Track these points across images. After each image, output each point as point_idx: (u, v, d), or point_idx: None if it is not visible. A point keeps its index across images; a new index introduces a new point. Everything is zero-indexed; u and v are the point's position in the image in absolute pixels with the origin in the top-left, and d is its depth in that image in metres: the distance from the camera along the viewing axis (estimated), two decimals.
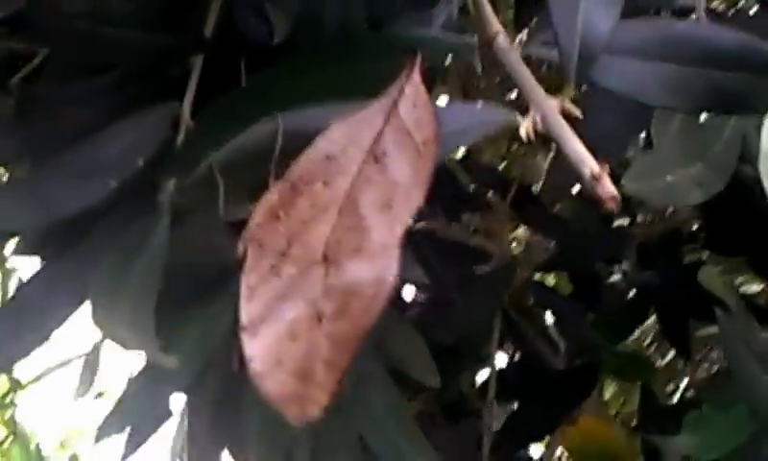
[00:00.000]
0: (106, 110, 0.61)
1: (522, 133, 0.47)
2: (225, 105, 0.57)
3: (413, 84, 0.44)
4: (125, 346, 0.51)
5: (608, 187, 0.43)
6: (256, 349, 0.42)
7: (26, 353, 0.56)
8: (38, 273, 0.58)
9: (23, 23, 0.59)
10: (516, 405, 1.08)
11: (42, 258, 0.58)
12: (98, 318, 0.53)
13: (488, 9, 0.48)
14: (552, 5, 0.47)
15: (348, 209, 0.43)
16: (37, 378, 1.72)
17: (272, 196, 0.44)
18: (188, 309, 0.59)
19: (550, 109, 0.47)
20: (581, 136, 0.67)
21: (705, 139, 0.59)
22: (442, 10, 0.55)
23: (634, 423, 1.13)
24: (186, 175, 0.57)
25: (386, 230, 0.42)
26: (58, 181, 0.56)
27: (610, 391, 1.29)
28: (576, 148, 0.45)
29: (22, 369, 1.71)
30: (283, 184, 0.44)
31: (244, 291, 0.43)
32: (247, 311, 0.43)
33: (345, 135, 0.45)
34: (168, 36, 0.61)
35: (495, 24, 0.50)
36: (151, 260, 0.54)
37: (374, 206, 0.43)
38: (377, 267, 0.41)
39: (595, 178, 0.43)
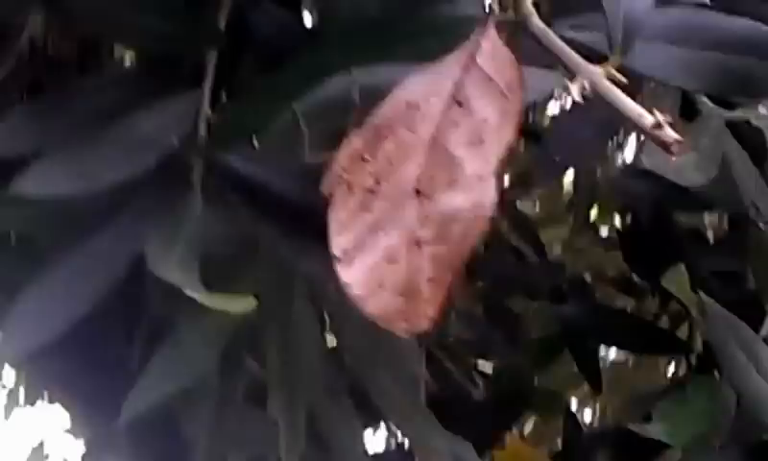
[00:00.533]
0: (127, 98, 0.61)
1: (575, 94, 0.49)
2: (252, 91, 0.59)
3: (489, 38, 0.46)
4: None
5: (670, 133, 0.46)
6: (354, 275, 0.44)
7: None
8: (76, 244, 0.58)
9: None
10: None
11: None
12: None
13: None
14: None
15: (436, 149, 0.45)
16: None
17: (355, 140, 0.46)
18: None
19: (597, 75, 0.50)
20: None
21: (694, 133, 0.63)
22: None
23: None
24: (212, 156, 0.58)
25: (479, 163, 0.44)
26: (99, 154, 0.56)
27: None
28: (631, 105, 0.48)
29: None
30: (367, 130, 0.46)
31: (333, 226, 0.45)
32: (338, 243, 0.45)
33: (424, 85, 0.47)
34: (186, 26, 0.63)
35: (528, 5, 0.52)
36: (189, 236, 0.55)
37: (464, 144, 0.45)
38: (474, 195, 0.43)
39: (658, 126, 0.46)
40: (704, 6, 0.57)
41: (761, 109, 0.61)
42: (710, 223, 1.11)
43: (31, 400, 1.38)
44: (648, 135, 0.47)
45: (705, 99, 0.64)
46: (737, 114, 0.62)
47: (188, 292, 0.48)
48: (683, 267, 0.72)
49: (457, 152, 0.44)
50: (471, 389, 1.14)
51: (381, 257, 0.43)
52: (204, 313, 0.61)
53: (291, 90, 0.54)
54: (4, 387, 1.56)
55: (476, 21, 0.50)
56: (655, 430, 0.70)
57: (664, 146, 0.46)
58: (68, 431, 0.93)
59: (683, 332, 1.09)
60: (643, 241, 1.04)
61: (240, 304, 0.48)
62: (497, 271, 1.14)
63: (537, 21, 0.50)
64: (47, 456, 1.54)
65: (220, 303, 0.49)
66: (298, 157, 0.51)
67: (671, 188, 1.06)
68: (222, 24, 0.64)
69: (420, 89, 0.46)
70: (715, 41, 0.53)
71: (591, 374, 1.14)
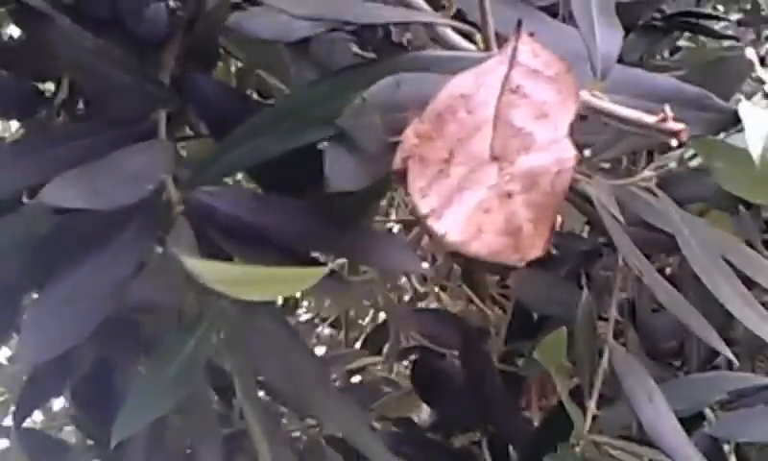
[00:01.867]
0: (97, 145, 0.63)
1: None
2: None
3: (525, 41, 0.52)
4: None
5: (676, 124, 0.53)
6: (447, 225, 0.47)
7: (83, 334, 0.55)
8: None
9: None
10: None
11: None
12: None
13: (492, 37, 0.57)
14: (577, 19, 0.58)
15: (502, 125, 0.49)
16: None
17: (419, 125, 0.50)
18: None
19: (586, 95, 0.56)
20: None
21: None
22: None
23: None
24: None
25: (550, 131, 0.49)
26: (105, 181, 0.57)
27: None
28: (629, 112, 0.55)
29: None
30: (428, 116, 0.50)
31: (415, 194, 0.48)
32: (424, 205, 0.48)
33: (472, 79, 0.51)
34: (146, 85, 0.65)
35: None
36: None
37: (529, 119, 0.49)
38: (553, 153, 0.48)
39: (663, 120, 0.53)
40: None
41: (647, 172, 0.69)
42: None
43: None
44: (655, 129, 0.54)
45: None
46: (621, 182, 0.70)
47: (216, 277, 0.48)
48: (563, 331, 0.77)
49: (524, 125, 0.49)
50: None
51: (474, 209, 0.47)
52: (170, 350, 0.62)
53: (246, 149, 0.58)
54: None
55: (465, 62, 0.56)
56: None
57: (672, 135, 0.53)
58: None
59: None
60: (437, 376, 1.09)
61: (307, 276, 0.49)
62: None
63: None
64: None
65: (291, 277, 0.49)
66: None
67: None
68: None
69: (470, 83, 0.51)
70: (649, 93, 0.61)
71: None
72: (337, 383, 1.26)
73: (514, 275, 0.96)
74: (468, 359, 1.02)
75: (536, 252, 0.45)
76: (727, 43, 0.98)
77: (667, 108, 0.53)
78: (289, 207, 0.61)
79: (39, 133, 0.66)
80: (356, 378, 1.32)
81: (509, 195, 0.47)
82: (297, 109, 0.59)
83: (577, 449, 0.84)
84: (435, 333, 1.11)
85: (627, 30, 0.59)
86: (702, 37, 1.02)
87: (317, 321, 1.46)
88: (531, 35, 0.52)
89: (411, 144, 0.49)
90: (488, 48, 0.57)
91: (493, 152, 0.48)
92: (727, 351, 0.69)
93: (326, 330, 1.47)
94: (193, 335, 0.61)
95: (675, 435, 0.71)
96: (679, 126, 0.52)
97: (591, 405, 0.87)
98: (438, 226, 0.46)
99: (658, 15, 1.02)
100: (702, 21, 0.98)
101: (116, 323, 0.57)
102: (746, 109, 0.57)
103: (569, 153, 0.47)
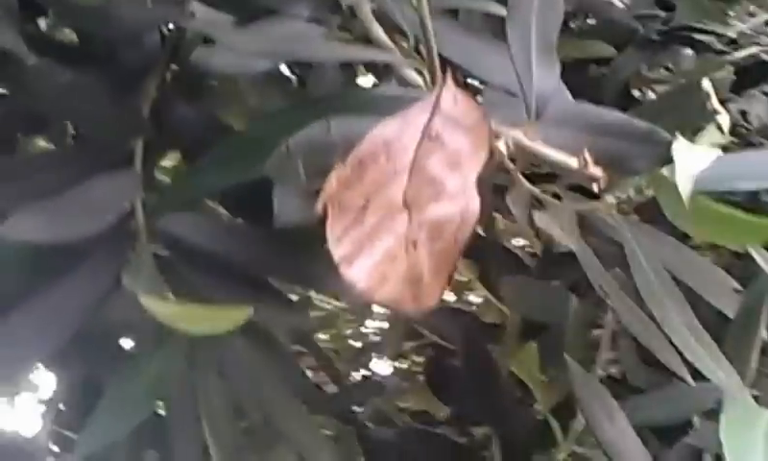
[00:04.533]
0: (71, 174, 0.63)
1: (502, 148, 0.55)
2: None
3: (449, 89, 0.51)
4: None
5: (595, 170, 0.52)
6: (357, 273, 0.47)
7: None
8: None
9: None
10: None
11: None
12: None
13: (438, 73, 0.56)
14: (513, 57, 0.57)
15: (417, 173, 0.49)
16: None
17: (341, 170, 0.50)
18: None
19: (518, 135, 0.55)
20: None
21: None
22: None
23: None
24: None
25: (460, 181, 0.48)
26: (65, 213, 0.58)
27: None
28: (554, 153, 0.54)
29: None
30: (351, 161, 0.50)
31: (331, 240, 0.48)
32: (337, 252, 0.47)
33: (396, 126, 0.51)
34: (124, 115, 0.65)
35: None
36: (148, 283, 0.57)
37: (442, 168, 0.49)
38: (460, 203, 0.47)
39: (585, 164, 0.52)
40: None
41: (608, 198, 0.68)
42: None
43: None
44: (576, 175, 0.53)
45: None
46: (584, 206, 0.69)
47: (163, 314, 0.48)
48: (534, 347, 0.77)
49: (437, 173, 0.48)
50: None
51: (381, 257, 0.46)
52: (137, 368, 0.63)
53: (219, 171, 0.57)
54: None
55: (402, 101, 0.55)
56: None
57: (591, 180, 0.52)
58: None
59: None
60: (449, 373, 1.07)
61: (233, 318, 0.49)
62: None
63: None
64: None
65: (212, 319, 0.49)
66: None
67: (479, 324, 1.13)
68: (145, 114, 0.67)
69: (394, 129, 0.50)
70: (596, 127, 0.60)
71: None
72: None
73: (505, 283, 0.94)
74: (470, 356, 1.01)
75: (431, 301, 0.45)
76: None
77: (586, 153, 0.52)
78: (250, 235, 0.61)
79: (12, 161, 0.66)
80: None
81: (414, 244, 0.46)
82: (252, 141, 0.58)
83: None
84: (438, 329, 1.10)
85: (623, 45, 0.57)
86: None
87: None
88: (456, 79, 0.51)
89: (332, 190, 0.48)
90: (434, 83, 0.56)
91: (406, 200, 0.47)
92: (686, 376, 0.68)
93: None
94: (162, 351, 0.62)
95: (635, 453, 0.69)
96: (597, 172, 0.51)
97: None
98: (348, 273, 0.46)
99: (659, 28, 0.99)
100: (698, 35, 0.96)
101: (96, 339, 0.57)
102: (679, 146, 0.55)
103: (474, 204, 0.46)
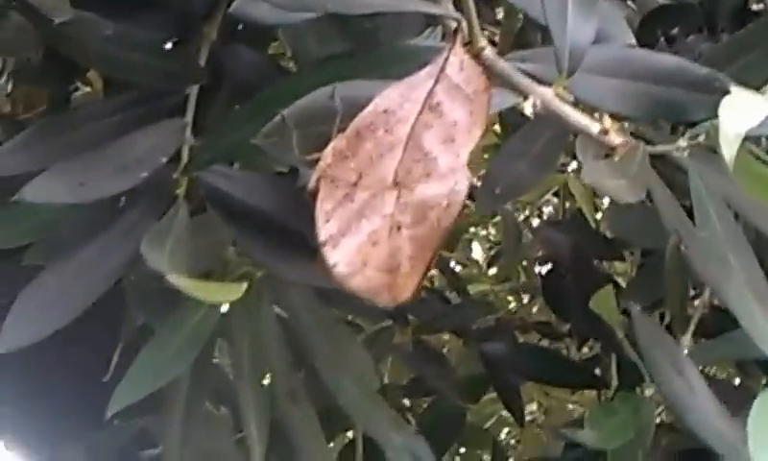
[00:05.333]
0: (120, 124, 0.62)
1: (527, 110, 0.51)
2: (229, 119, 0.60)
3: (457, 53, 0.48)
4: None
5: (615, 137, 0.47)
6: (339, 255, 0.44)
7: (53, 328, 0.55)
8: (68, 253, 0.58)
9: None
10: None
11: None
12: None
13: (476, 27, 0.52)
14: (547, 12, 0.52)
15: (412, 147, 0.46)
16: None
17: (339, 141, 0.47)
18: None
19: (547, 95, 0.51)
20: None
21: (621, 165, 0.64)
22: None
23: None
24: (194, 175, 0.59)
25: (452, 158, 0.45)
26: (96, 172, 0.57)
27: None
28: (577, 117, 0.49)
29: None
30: (349, 132, 0.47)
31: (320, 216, 0.46)
32: (325, 230, 0.45)
33: (399, 94, 0.47)
34: (172, 64, 0.63)
35: (482, 40, 0.54)
36: (177, 241, 0.55)
37: (437, 142, 0.46)
38: (448, 184, 0.44)
39: (604, 132, 0.48)
40: (633, 46, 0.58)
41: (681, 142, 0.62)
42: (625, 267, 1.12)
43: None
44: (596, 141, 0.49)
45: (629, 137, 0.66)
46: (659, 148, 0.63)
47: (176, 282, 0.47)
48: (611, 289, 0.72)
49: (431, 149, 0.45)
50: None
51: (365, 240, 0.44)
52: (180, 320, 0.62)
53: (262, 117, 0.54)
54: None
55: (435, 51, 0.51)
56: (586, 436, 0.71)
57: (612, 149, 0.47)
58: None
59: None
60: (563, 285, 1.04)
61: (228, 294, 0.48)
62: (427, 313, 1.14)
63: (489, 53, 0.51)
64: None
65: (209, 294, 0.48)
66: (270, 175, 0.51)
67: (588, 238, 1.09)
68: (202, 62, 0.65)
69: (396, 97, 0.47)
70: (647, 74, 0.55)
71: (515, 409, 1.14)
72: None
73: (609, 210, 0.90)
74: (579, 272, 0.98)
75: (406, 294, 0.42)
76: None
77: (606, 119, 0.48)
78: (289, 189, 0.60)
79: (62, 113, 0.65)
80: None
81: (398, 227, 0.43)
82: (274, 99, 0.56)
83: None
84: (551, 246, 1.07)
85: None
86: None
87: None
88: (467, 44, 0.48)
89: (326, 162, 0.46)
90: (471, 39, 0.53)
91: (397, 177, 0.45)
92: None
93: None
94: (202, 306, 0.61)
95: (707, 414, 0.65)
96: (617, 140, 0.47)
97: (684, 340, 0.82)
98: (332, 255, 0.44)
99: None
100: None
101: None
102: (729, 100, 0.50)
103: (463, 186, 0.43)
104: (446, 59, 0.47)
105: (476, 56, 0.51)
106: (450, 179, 0.43)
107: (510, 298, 1.26)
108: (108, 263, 0.57)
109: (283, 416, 0.65)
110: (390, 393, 1.18)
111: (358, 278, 0.43)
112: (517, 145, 0.68)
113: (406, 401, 1.17)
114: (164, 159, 0.58)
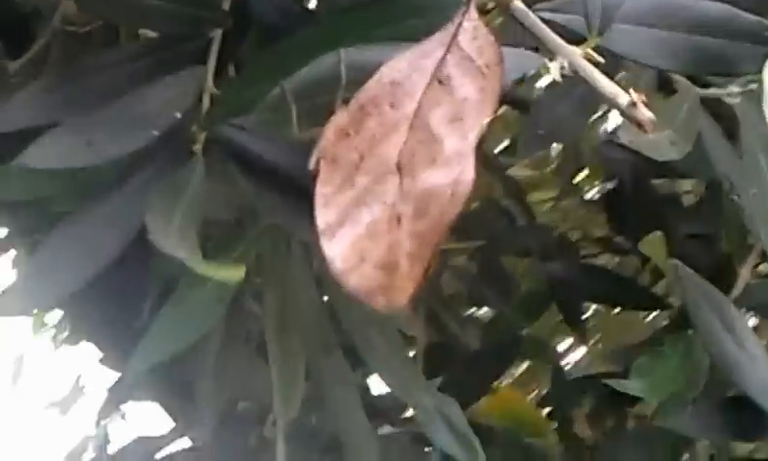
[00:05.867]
0: (137, 73, 0.59)
1: (554, 73, 0.46)
2: (250, 67, 0.56)
3: (471, 19, 0.43)
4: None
5: (645, 112, 0.43)
6: (336, 249, 0.41)
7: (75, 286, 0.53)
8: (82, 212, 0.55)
9: None
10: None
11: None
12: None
13: None
14: None
15: (418, 126, 0.42)
16: None
17: (341, 117, 0.43)
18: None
19: (575, 55, 0.46)
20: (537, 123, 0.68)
21: (669, 110, 0.60)
22: None
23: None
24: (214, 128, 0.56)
25: (459, 140, 0.41)
26: (105, 129, 0.54)
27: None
28: (607, 84, 0.45)
29: None
30: (352, 106, 0.43)
31: (319, 200, 0.42)
32: (322, 217, 0.42)
33: (407, 64, 0.44)
34: (193, 8, 0.60)
35: None
36: (190, 202, 0.52)
37: (445, 121, 0.42)
38: (453, 172, 0.40)
39: (633, 104, 0.43)
40: None
41: (732, 87, 0.57)
42: (687, 188, 1.08)
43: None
44: (623, 114, 0.44)
45: (680, 77, 0.61)
46: (711, 92, 0.58)
47: (184, 259, 0.44)
48: (659, 233, 0.68)
49: (438, 129, 0.41)
50: (466, 338, 1.11)
51: (363, 232, 0.40)
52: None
53: (286, 66, 0.51)
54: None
55: (460, 3, 0.47)
56: (632, 386, 0.67)
57: (639, 124, 0.43)
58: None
59: (662, 288, 1.06)
60: (625, 204, 1.01)
61: (231, 273, 0.45)
62: (490, 230, 1.11)
63: (518, 3, 0.47)
64: (83, 388, 1.52)
65: (213, 271, 0.45)
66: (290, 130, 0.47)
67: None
68: (226, 6, 0.61)
69: (404, 68, 0.43)
70: (689, 23, 0.50)
71: (576, 325, 1.11)
72: None
73: None
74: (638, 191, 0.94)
75: (403, 298, 0.39)
76: None
77: (634, 94, 0.43)
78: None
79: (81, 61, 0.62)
80: None
81: (399, 219, 0.40)
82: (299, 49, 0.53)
83: None
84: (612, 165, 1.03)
85: None
86: None
87: None
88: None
89: (327, 140, 0.42)
90: None
91: (401, 159, 0.41)
92: None
93: None
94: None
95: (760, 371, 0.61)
96: (645, 116, 0.42)
97: (744, 272, 0.78)
98: (328, 247, 0.41)
99: None
100: None
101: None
102: None
103: (468, 174, 0.39)
104: (460, 24, 0.43)
105: (505, 7, 0.47)
106: (456, 165, 0.40)
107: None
108: (121, 225, 0.55)
109: (315, 367, 0.63)
110: (453, 303, 1.17)
111: (355, 275, 0.39)
112: (560, 87, 0.63)
113: None
114: (178, 114, 0.55)
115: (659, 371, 0.67)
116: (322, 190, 0.42)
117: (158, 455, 0.89)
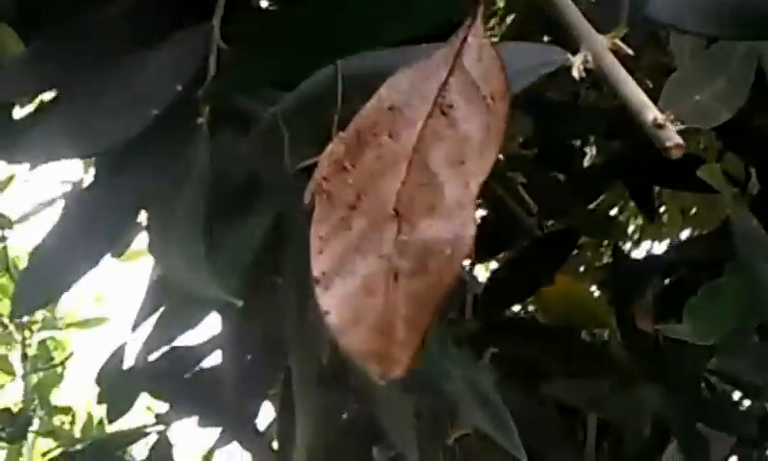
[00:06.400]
0: (132, 34, 0.55)
1: (575, 72, 0.42)
2: (258, 30, 0.52)
3: (476, 35, 0.39)
4: (179, 277, 0.46)
5: (672, 135, 0.38)
6: (331, 302, 0.38)
7: (78, 277, 0.51)
8: (83, 199, 0.53)
9: None
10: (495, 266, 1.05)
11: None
12: (152, 247, 0.48)
13: None
14: None
15: (418, 165, 0.39)
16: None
17: (337, 147, 0.40)
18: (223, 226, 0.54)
19: (601, 46, 0.41)
20: None
21: (722, 56, 0.54)
22: None
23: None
24: (221, 101, 0.52)
25: (460, 188, 0.38)
26: (99, 112, 0.50)
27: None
28: (633, 91, 0.40)
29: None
30: (348, 135, 0.40)
31: (314, 242, 0.39)
32: (318, 263, 0.39)
33: (408, 85, 0.40)
34: None
35: None
36: (195, 185, 0.49)
37: (446, 163, 0.38)
38: (453, 226, 0.37)
39: (659, 125, 0.38)
40: None
41: None
42: None
43: None
44: (646, 131, 0.40)
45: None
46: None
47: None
48: (717, 166, 0.64)
49: (439, 170, 0.38)
50: (524, 217, 1.06)
51: (359, 287, 0.38)
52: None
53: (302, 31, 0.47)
54: None
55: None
56: (684, 331, 0.63)
57: (663, 148, 0.39)
58: None
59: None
60: None
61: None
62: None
63: None
64: None
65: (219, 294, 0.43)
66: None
67: None
68: None
69: (405, 89, 0.39)
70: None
71: (645, 203, 1.06)
72: None
73: None
74: None
75: (399, 370, 0.36)
76: None
77: (658, 115, 0.39)
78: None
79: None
80: None
81: (395, 275, 0.37)
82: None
83: None
84: None
85: None
86: None
87: None
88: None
89: (323, 173, 0.39)
90: None
91: (399, 204, 0.38)
92: None
93: None
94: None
95: None
96: (673, 141, 0.38)
97: None
98: (323, 299, 0.38)
99: None
100: None
101: None
102: None
103: (469, 230, 0.36)
104: (465, 39, 0.38)
105: None
106: (456, 217, 0.36)
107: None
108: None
109: None
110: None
111: (350, 336, 0.36)
112: None
113: None
114: (179, 87, 0.51)
115: (713, 311, 0.63)
116: (317, 232, 0.39)
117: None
